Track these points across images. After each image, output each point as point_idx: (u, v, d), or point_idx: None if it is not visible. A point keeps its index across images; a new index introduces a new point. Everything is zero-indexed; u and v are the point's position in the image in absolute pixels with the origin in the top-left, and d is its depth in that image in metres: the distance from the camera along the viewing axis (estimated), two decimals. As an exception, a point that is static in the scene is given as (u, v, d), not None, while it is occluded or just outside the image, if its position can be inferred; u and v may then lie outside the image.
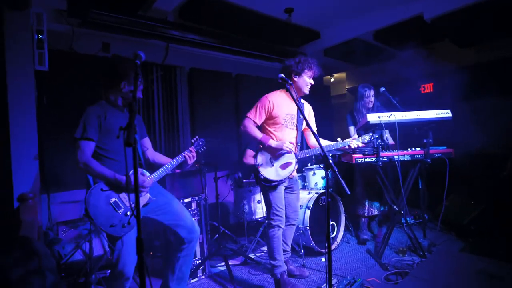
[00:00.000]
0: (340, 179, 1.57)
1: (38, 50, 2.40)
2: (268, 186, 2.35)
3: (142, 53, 1.51)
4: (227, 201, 4.08)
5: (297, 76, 2.35)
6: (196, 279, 2.66)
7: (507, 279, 1.84)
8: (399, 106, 2.94)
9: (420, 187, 3.16)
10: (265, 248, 3.30)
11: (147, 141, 2.18)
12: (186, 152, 2.10)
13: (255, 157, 2.35)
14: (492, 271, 1.95)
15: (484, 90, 4.33)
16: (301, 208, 3.04)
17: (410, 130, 2.94)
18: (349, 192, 1.52)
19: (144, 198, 1.94)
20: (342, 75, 7.02)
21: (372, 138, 2.31)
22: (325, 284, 2.28)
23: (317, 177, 3.50)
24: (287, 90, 2.07)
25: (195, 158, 2.13)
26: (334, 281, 2.30)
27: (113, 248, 1.80)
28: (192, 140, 2.20)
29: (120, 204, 1.82)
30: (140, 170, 1.99)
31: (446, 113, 2.58)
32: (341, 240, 3.25)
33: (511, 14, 3.24)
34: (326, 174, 1.69)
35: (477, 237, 3.15)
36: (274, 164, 2.33)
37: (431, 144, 2.68)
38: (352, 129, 3.33)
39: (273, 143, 2.29)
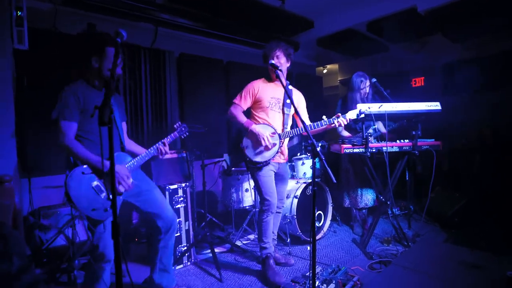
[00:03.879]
0: (327, 167, 1.55)
1: (17, 27, 2.28)
2: (255, 168, 2.36)
3: (124, 32, 1.44)
4: (215, 189, 4.05)
5: (266, 62, 2.35)
6: (181, 266, 2.64)
7: (487, 268, 1.88)
8: (390, 98, 2.93)
9: (407, 178, 3.18)
10: (252, 236, 3.31)
11: (124, 126, 2.11)
12: (159, 144, 2.02)
13: (241, 139, 2.35)
14: (473, 261, 1.99)
15: (474, 84, 4.38)
16: (288, 197, 3.04)
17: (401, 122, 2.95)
18: (334, 181, 1.50)
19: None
20: (335, 66, 6.99)
21: (360, 116, 2.31)
22: (309, 272, 2.29)
23: (306, 167, 3.50)
24: (277, 76, 2.05)
25: (167, 153, 2.06)
26: (318, 269, 2.32)
27: (93, 230, 1.75)
28: (175, 126, 2.15)
29: (102, 188, 1.77)
30: (122, 154, 1.93)
31: (435, 106, 2.58)
32: (327, 229, 3.27)
33: (502, 8, 3.24)
34: (313, 163, 1.67)
35: (461, 228, 3.22)
36: (258, 146, 2.33)
37: (419, 136, 2.69)
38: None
39: (255, 128, 2.30)
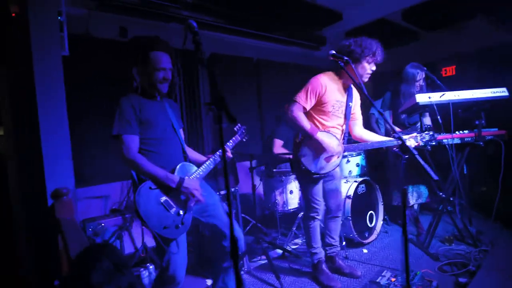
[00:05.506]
0: (423, 163, 1.39)
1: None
2: (309, 178, 2.17)
3: (194, 22, 1.30)
4: (249, 192, 3.91)
5: (356, 62, 2.03)
6: (235, 276, 2.50)
7: None
8: (444, 86, 2.73)
9: (465, 172, 2.97)
10: (299, 241, 3.15)
11: (181, 133, 1.97)
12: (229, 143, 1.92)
13: (298, 146, 2.16)
14: None
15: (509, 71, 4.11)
16: (339, 197, 2.89)
17: (454, 112, 2.75)
18: (436, 178, 1.34)
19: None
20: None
21: (431, 137, 2.08)
22: (380, 277, 2.12)
23: (351, 165, 3.32)
24: (341, 67, 1.90)
25: (231, 157, 1.94)
26: (389, 273, 2.15)
27: (161, 251, 1.62)
28: (235, 128, 2.01)
29: (171, 203, 1.64)
30: (187, 165, 1.79)
31: (502, 92, 2.38)
32: (380, 230, 3.09)
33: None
34: (404, 158, 1.50)
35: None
36: (319, 156, 2.13)
37: (484, 125, 2.49)
38: (388, 114, 3.11)
39: (321, 138, 2.03)
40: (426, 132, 2.08)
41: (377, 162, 3.65)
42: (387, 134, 3.06)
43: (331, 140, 2.08)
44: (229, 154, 1.90)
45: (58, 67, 2.03)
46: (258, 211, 3.93)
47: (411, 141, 2.00)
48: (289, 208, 3.18)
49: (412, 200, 3.07)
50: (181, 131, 1.93)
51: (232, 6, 3.48)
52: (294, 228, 3.03)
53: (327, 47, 5.03)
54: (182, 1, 3.19)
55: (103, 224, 2.67)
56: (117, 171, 2.94)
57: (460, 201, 3.12)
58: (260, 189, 3.75)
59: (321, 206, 2.21)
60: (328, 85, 2.09)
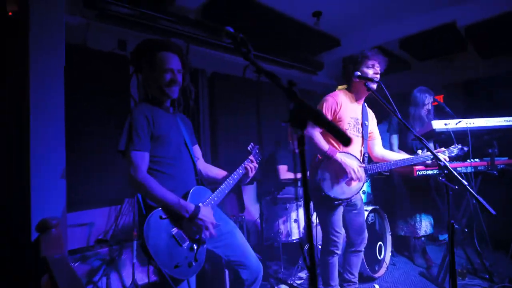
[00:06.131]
0: (479, 197, 1.25)
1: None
2: (329, 205, 2.00)
3: (231, 28, 1.14)
4: (249, 219, 3.65)
5: (357, 71, 2.01)
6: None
7: None
8: (452, 114, 2.72)
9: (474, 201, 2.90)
10: (303, 274, 2.91)
11: (197, 150, 1.76)
12: (246, 162, 1.72)
13: (315, 170, 1.99)
14: None
15: (499, 102, 4.26)
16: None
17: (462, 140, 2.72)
18: (494, 212, 1.21)
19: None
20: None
21: (459, 150, 2.02)
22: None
23: (357, 192, 3.18)
24: (368, 89, 1.83)
25: (256, 169, 1.76)
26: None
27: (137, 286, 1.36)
28: (249, 148, 1.82)
29: (184, 236, 1.40)
30: (202, 189, 1.57)
31: (514, 121, 2.37)
32: (388, 262, 2.92)
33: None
34: (448, 188, 1.37)
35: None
36: (340, 179, 1.98)
37: (497, 154, 2.45)
38: (395, 137, 3.04)
39: (342, 159, 1.92)
40: (454, 145, 2.01)
41: (382, 190, 3.55)
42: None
43: (352, 161, 1.95)
44: (251, 174, 1.70)
45: (59, 81, 1.76)
46: (253, 240, 3.65)
47: (441, 155, 1.89)
48: (293, 238, 2.95)
49: (421, 231, 2.95)
50: (196, 148, 1.72)
51: (233, 26, 3.41)
52: (300, 261, 2.79)
53: (324, 72, 5.07)
54: (184, 17, 3.08)
55: (86, 256, 2.33)
56: (103, 195, 2.64)
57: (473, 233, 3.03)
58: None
59: (341, 239, 2.01)
60: (343, 102, 2.03)
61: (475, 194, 1.26)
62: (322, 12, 3.52)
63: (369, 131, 2.17)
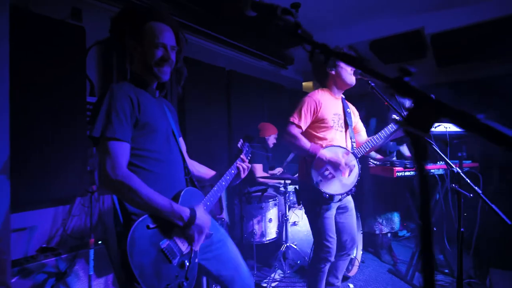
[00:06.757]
0: (491, 205, 1.22)
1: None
2: (324, 208, 1.89)
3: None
4: (219, 218, 3.42)
5: (333, 68, 1.95)
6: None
7: None
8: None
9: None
10: (278, 276, 2.79)
11: (183, 143, 1.49)
12: (238, 161, 1.51)
13: (309, 174, 1.87)
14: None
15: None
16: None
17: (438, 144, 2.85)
18: (510, 222, 1.19)
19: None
20: (309, 84, 6.97)
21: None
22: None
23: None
24: (372, 87, 1.76)
25: (249, 169, 1.57)
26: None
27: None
28: (239, 145, 1.61)
29: (175, 250, 1.14)
30: (194, 191, 1.33)
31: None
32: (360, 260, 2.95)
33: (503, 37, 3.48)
34: (460, 196, 1.33)
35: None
36: (335, 174, 1.88)
37: (465, 157, 2.60)
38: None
39: (325, 155, 1.85)
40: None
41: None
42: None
43: (336, 152, 1.90)
44: (243, 174, 1.50)
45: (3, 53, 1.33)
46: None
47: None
48: (268, 238, 2.82)
49: (389, 228, 3.05)
50: (181, 141, 1.45)
51: (204, 6, 3.11)
52: (275, 262, 2.67)
53: (294, 66, 5.00)
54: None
55: (28, 270, 1.89)
56: (48, 193, 2.17)
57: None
58: (228, 215, 3.32)
59: (334, 245, 1.91)
60: (322, 100, 1.96)
61: (489, 202, 1.24)
62: (301, 4, 3.40)
63: (353, 125, 2.13)
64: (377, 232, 3.11)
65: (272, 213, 2.86)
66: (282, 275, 2.74)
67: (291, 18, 0.75)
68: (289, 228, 2.77)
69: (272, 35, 3.95)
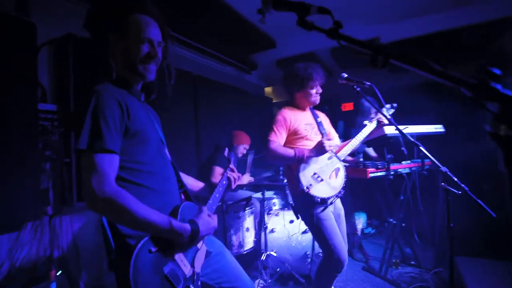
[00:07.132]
0: (478, 200, 1.31)
1: None
2: (320, 210, 1.87)
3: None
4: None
5: (300, 91, 2.07)
6: None
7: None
8: (393, 121, 2.99)
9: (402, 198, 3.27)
10: (258, 287, 2.71)
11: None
12: (228, 172, 1.43)
13: (297, 179, 1.85)
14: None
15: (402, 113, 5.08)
16: (305, 232, 2.67)
17: (395, 145, 3.04)
18: (494, 215, 1.27)
19: (202, 251, 1.16)
20: (269, 89, 7.06)
21: (391, 107, 2.34)
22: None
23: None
24: (358, 92, 1.81)
25: (240, 178, 1.49)
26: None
27: None
28: (226, 154, 1.53)
29: (178, 274, 1.00)
30: (192, 206, 1.20)
31: (440, 128, 2.76)
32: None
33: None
34: (449, 194, 1.40)
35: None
36: (323, 177, 1.90)
37: (427, 157, 2.81)
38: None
39: (311, 153, 1.91)
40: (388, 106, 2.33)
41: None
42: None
43: (316, 139, 2.01)
44: (234, 185, 1.42)
45: None
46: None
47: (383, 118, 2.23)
48: (246, 248, 2.72)
49: (359, 227, 3.17)
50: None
51: (173, 8, 2.94)
52: (255, 272, 2.58)
53: (257, 72, 4.99)
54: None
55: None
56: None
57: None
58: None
59: (344, 254, 1.86)
60: (291, 115, 2.05)
61: (475, 198, 1.32)
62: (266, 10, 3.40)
63: (327, 132, 2.18)
64: (349, 231, 3.21)
65: (249, 222, 2.78)
66: (263, 285, 2.67)
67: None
68: (268, 236, 2.71)
69: (235, 40, 3.89)
